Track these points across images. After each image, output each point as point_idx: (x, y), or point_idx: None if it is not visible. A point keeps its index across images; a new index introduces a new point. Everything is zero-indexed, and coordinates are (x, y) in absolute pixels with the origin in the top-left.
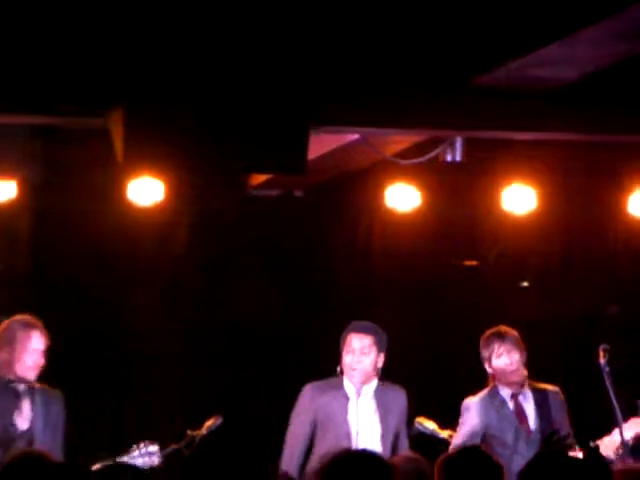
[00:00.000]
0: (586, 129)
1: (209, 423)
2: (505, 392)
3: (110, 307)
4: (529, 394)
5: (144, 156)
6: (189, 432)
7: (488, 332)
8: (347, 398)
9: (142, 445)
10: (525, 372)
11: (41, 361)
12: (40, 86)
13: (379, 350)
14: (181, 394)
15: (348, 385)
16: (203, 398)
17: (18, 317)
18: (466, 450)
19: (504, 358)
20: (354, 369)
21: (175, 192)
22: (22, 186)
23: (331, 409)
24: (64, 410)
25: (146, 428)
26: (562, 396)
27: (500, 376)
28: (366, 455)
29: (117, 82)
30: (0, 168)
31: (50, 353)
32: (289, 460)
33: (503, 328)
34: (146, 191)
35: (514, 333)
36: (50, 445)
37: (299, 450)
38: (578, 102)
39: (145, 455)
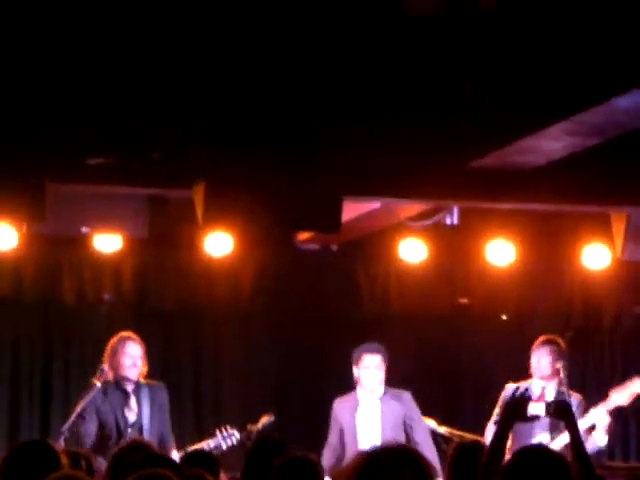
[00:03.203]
0: (551, 201)
1: (264, 420)
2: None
3: (191, 331)
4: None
5: (217, 218)
6: (248, 426)
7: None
8: (357, 403)
9: (223, 429)
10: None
11: (137, 364)
12: (146, 166)
13: (385, 365)
14: (243, 396)
15: (360, 393)
16: (260, 401)
17: (121, 334)
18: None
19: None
20: (370, 382)
21: (240, 245)
22: (126, 239)
23: (345, 414)
24: (167, 397)
25: (217, 422)
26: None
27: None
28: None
29: (200, 167)
30: (110, 224)
31: (149, 363)
32: (326, 459)
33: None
34: (219, 245)
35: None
36: (157, 429)
37: (331, 452)
38: (546, 181)
39: (227, 437)
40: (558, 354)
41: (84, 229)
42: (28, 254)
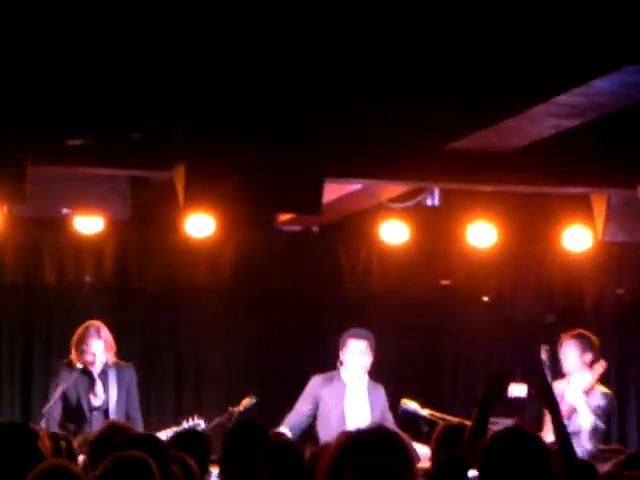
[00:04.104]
0: (532, 182)
1: (245, 402)
2: None
3: (172, 313)
4: None
5: (198, 200)
6: (230, 409)
7: None
8: (345, 387)
9: (190, 419)
10: None
11: (99, 359)
12: (127, 148)
13: (371, 351)
14: (225, 379)
15: (346, 376)
16: (242, 383)
17: (86, 324)
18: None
19: None
20: (355, 367)
21: (221, 227)
22: (107, 221)
23: (331, 396)
24: (135, 378)
25: (198, 404)
26: None
27: None
28: (380, 429)
29: (180, 149)
30: (91, 206)
31: (124, 343)
32: (288, 423)
33: None
34: (200, 226)
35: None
36: (124, 411)
37: (298, 420)
38: (526, 163)
39: (192, 427)
40: (585, 346)
41: (65, 211)
42: (9, 236)
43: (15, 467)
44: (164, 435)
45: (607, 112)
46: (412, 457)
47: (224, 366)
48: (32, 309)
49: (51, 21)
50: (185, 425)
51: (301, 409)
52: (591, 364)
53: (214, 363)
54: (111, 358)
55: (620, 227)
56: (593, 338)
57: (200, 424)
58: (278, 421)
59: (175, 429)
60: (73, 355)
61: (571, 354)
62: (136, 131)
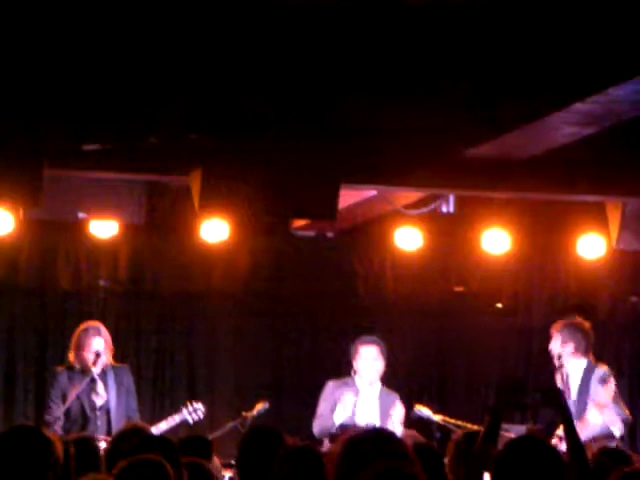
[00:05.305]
0: (547, 190)
1: (259, 407)
2: None
3: (186, 318)
4: None
5: (214, 205)
6: (243, 413)
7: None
8: (357, 393)
9: (189, 404)
10: None
11: (101, 358)
12: (143, 153)
13: (383, 357)
14: (238, 383)
15: (360, 384)
16: (255, 387)
17: (86, 324)
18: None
19: None
20: (368, 373)
21: (236, 232)
22: (122, 225)
23: (345, 401)
24: (132, 379)
25: (211, 407)
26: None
27: None
28: (381, 432)
29: (196, 154)
30: (107, 210)
31: (137, 347)
32: (323, 422)
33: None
34: (215, 231)
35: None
36: (125, 411)
37: (329, 417)
38: (542, 170)
39: (192, 412)
40: (566, 335)
41: (81, 215)
42: (24, 239)
43: (28, 471)
44: (165, 425)
45: (623, 120)
46: (414, 458)
47: (237, 370)
48: (46, 312)
49: (69, 27)
50: (184, 410)
51: (324, 411)
52: (576, 352)
53: (227, 367)
54: (109, 359)
55: (634, 235)
56: (581, 328)
57: (200, 408)
58: (290, 424)
59: (175, 416)
60: (71, 357)
61: (554, 345)
62: (152, 136)
